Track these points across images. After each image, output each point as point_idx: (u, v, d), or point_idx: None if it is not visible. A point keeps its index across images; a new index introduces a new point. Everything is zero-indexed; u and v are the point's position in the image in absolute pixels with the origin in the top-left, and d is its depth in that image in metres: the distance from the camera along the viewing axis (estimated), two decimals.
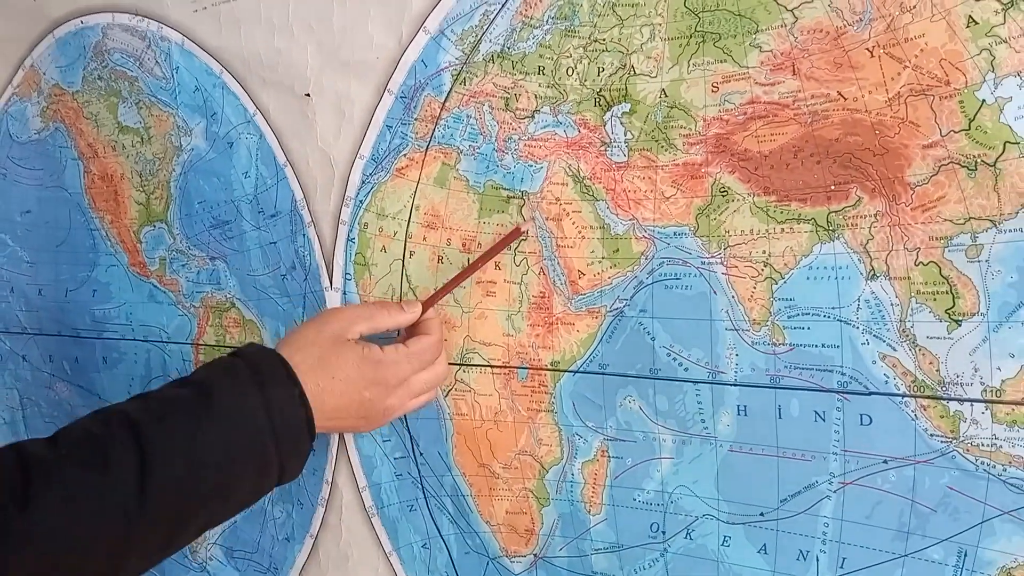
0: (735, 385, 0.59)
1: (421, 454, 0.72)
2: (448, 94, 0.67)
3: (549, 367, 0.66)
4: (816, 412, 0.56)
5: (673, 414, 0.61)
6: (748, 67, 0.56)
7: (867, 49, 0.52)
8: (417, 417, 0.72)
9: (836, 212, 0.54)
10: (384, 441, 0.74)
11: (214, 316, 0.85)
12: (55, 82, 0.93)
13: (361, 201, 0.72)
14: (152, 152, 0.86)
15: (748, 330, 0.58)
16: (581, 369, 0.64)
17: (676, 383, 0.61)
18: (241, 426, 0.57)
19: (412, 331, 0.68)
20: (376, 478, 0.75)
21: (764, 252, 0.57)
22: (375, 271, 0.72)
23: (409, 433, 0.73)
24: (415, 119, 0.69)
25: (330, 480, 0.77)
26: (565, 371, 0.65)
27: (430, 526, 0.73)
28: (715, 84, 0.57)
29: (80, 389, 0.99)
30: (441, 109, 0.68)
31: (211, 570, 0.88)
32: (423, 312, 0.67)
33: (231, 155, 0.80)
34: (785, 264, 0.56)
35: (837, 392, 0.55)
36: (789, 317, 0.56)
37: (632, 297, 0.62)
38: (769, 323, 0.57)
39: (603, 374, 0.64)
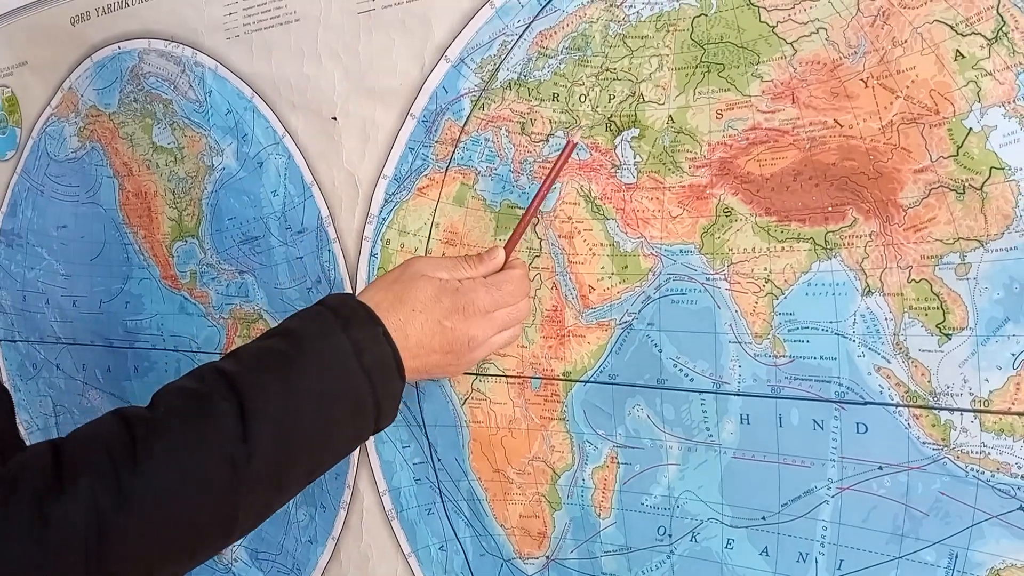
0: (738, 395, 0.62)
1: (439, 460, 0.76)
2: (467, 118, 0.71)
3: (561, 377, 0.69)
4: (815, 421, 0.59)
5: (679, 422, 0.64)
6: (750, 96, 0.60)
7: (862, 80, 0.56)
8: (435, 424, 0.75)
9: (833, 232, 0.58)
10: (404, 447, 0.78)
11: (242, 327, 0.89)
12: (92, 103, 0.98)
13: (384, 218, 0.76)
14: (185, 171, 0.90)
15: (750, 343, 0.61)
16: (592, 379, 0.68)
17: (682, 393, 0.64)
18: (332, 368, 0.58)
19: None
20: (396, 483, 0.78)
21: (765, 269, 0.60)
22: None
23: (427, 440, 0.76)
24: (436, 141, 0.73)
25: (352, 484, 0.81)
26: (576, 381, 0.68)
27: (447, 529, 0.76)
28: (719, 111, 0.61)
29: (112, 397, 1.03)
30: (461, 132, 0.72)
31: (236, 571, 0.91)
32: (506, 257, 0.67)
33: (261, 174, 0.84)
34: (785, 280, 0.60)
35: (835, 402, 0.59)
36: (789, 331, 0.60)
37: (640, 311, 0.65)
38: (770, 336, 0.60)
39: (613, 384, 0.67)
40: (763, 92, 0.59)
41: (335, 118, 0.78)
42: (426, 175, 0.74)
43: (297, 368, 0.57)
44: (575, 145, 0.65)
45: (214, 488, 0.53)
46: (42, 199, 1.05)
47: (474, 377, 0.73)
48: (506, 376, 0.71)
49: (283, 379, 0.56)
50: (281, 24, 0.80)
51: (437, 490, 0.76)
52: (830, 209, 0.58)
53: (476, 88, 0.71)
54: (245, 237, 0.87)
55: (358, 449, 0.80)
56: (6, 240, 1.09)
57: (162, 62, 0.90)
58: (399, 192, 0.75)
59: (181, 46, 0.88)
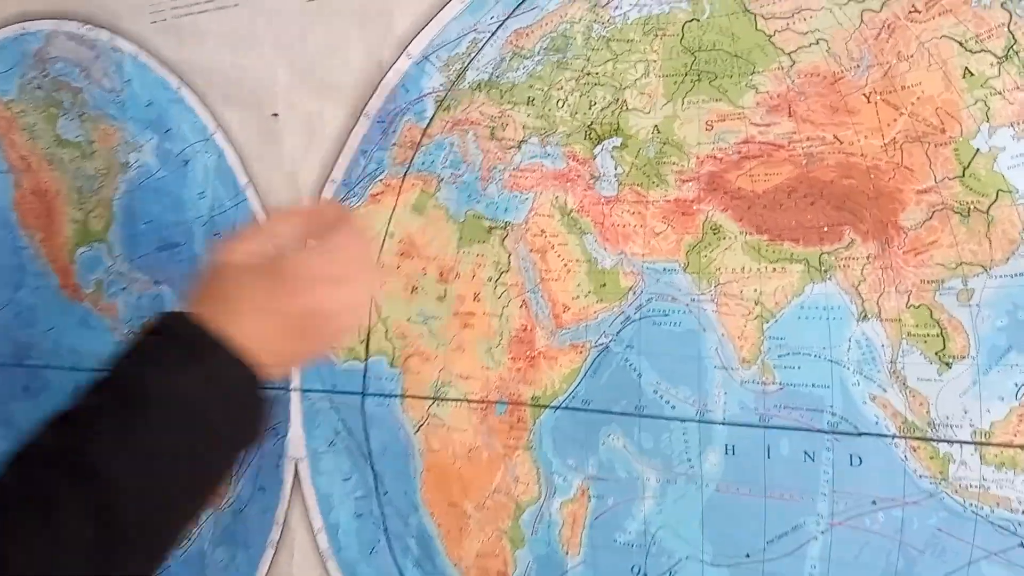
0: (723, 424, 0.58)
1: (385, 493, 0.69)
2: (430, 120, 0.66)
3: (529, 402, 0.64)
4: (806, 452, 0.56)
5: (658, 452, 0.60)
6: (744, 107, 0.57)
7: (864, 95, 0.53)
8: (384, 453, 0.68)
9: (829, 253, 0.55)
10: (344, 479, 0.70)
11: None
12: None
13: None
14: (94, 167, 0.81)
15: (738, 369, 0.58)
16: (563, 405, 0.63)
17: (662, 421, 0.60)
18: (188, 414, 0.47)
19: None
20: (333, 519, 0.71)
21: (756, 290, 0.57)
22: None
23: (373, 470, 0.69)
24: (393, 144, 0.67)
25: (282, 521, 0.73)
26: (546, 407, 0.63)
27: (392, 570, 0.69)
28: (710, 122, 0.58)
29: None
30: (422, 135, 0.66)
31: None
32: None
33: (185, 174, 0.76)
34: (776, 303, 0.56)
35: (827, 432, 0.55)
36: (780, 356, 0.56)
37: (619, 332, 0.61)
38: (759, 362, 0.57)
39: (586, 410, 0.62)
40: (758, 104, 0.56)
41: (276, 114, 0.71)
42: (381, 180, 0.67)
43: (149, 426, 0.47)
44: None
45: None
46: None
47: (431, 401, 0.66)
48: (468, 400, 0.65)
49: (135, 445, 0.46)
50: (218, 8, 0.72)
51: (382, 526, 0.69)
52: (826, 229, 0.55)
53: (441, 88, 0.65)
54: (164, 243, 0.78)
55: (290, 482, 0.72)
56: None
57: (72, 45, 0.81)
58: (349, 198, 0.69)
59: (96, 29, 0.79)
